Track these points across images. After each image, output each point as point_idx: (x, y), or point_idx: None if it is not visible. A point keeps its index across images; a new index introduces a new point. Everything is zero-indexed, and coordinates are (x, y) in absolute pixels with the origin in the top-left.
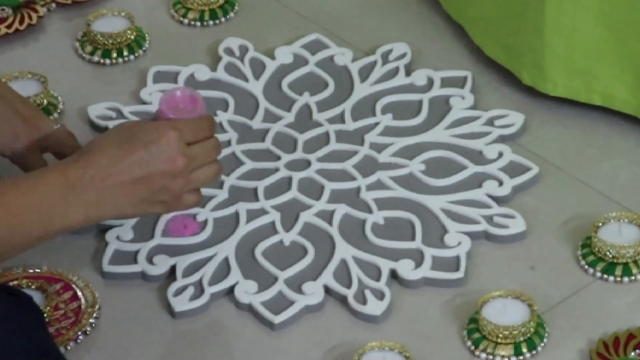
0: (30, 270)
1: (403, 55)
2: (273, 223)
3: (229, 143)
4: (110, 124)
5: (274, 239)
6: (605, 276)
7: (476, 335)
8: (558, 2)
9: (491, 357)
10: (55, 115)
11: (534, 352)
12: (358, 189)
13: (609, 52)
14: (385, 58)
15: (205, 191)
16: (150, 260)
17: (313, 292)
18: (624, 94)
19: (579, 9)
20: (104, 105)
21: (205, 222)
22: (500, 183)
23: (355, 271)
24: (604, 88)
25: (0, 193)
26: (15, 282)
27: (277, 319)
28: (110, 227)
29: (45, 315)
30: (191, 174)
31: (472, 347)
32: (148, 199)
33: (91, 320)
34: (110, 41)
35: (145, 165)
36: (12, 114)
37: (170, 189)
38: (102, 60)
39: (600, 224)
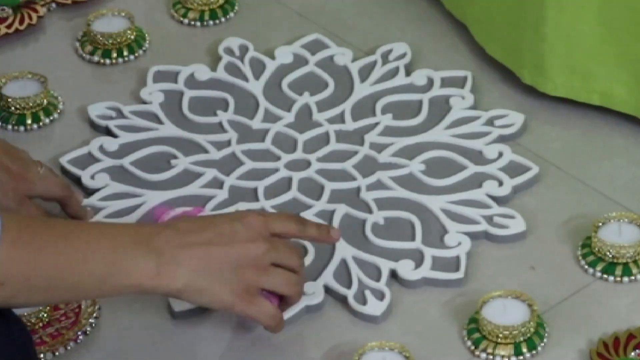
0: None
1: (403, 55)
2: None
3: (228, 143)
4: (111, 124)
5: None
6: (605, 276)
7: (476, 335)
8: (558, 2)
9: (491, 357)
10: (55, 115)
11: (534, 352)
12: (358, 189)
13: (608, 52)
14: (385, 58)
15: (205, 191)
16: None
17: (313, 292)
18: (623, 93)
19: (579, 9)
20: (104, 105)
21: None
22: (500, 183)
23: (355, 271)
24: (603, 88)
25: (67, 227)
26: None
27: None
28: None
29: (45, 314)
30: (269, 268)
31: (472, 347)
32: (222, 277)
33: (91, 320)
34: (110, 41)
35: (226, 238)
36: None
37: (245, 275)
38: (102, 60)
39: (600, 224)
